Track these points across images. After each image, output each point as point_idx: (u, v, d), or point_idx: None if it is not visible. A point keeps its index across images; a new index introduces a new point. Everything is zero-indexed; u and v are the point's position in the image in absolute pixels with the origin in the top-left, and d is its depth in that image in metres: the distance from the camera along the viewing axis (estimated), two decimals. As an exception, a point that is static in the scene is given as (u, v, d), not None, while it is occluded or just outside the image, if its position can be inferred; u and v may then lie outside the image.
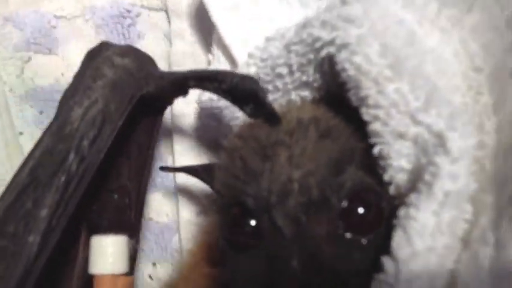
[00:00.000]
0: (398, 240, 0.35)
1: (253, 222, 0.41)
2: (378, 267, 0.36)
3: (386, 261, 0.35)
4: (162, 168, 0.69)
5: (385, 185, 0.40)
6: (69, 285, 0.60)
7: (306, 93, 0.51)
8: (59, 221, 0.47)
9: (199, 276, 0.52)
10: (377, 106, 0.39)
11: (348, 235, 0.39)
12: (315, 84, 0.49)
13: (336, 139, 0.42)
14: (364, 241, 0.39)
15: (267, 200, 0.40)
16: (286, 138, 0.42)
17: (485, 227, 0.34)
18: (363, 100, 0.41)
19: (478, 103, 0.41)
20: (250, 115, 0.44)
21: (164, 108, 0.62)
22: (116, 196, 0.63)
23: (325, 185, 0.40)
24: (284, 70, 0.49)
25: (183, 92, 0.54)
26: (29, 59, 0.76)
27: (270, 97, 0.52)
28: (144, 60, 0.58)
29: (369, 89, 0.40)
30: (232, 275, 0.44)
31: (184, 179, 0.70)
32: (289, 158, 0.41)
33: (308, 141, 0.41)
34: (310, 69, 0.48)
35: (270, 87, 0.52)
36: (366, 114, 0.41)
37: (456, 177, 0.35)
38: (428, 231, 0.34)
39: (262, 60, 0.51)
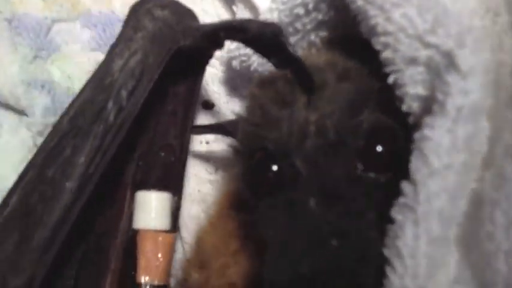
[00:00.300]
0: (415, 161, 0.35)
1: (275, 167, 0.41)
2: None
3: (404, 184, 0.35)
4: (192, 129, 0.68)
5: (403, 119, 0.39)
6: (115, 239, 0.61)
7: (324, 33, 0.52)
8: (96, 168, 0.48)
9: (226, 222, 0.53)
10: (386, 33, 0.38)
11: (367, 174, 0.39)
12: (331, 23, 0.50)
13: (353, 81, 0.42)
14: (383, 179, 0.39)
15: (286, 144, 0.41)
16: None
17: (510, 141, 0.33)
18: (373, 29, 0.40)
19: (496, 24, 0.39)
20: (276, 65, 0.43)
21: (205, 63, 0.61)
22: (162, 154, 0.63)
23: (342, 126, 0.40)
24: (301, 10, 0.50)
25: (217, 45, 0.53)
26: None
27: (292, 40, 0.52)
28: (183, 13, 0.58)
29: (376, 17, 0.39)
30: (256, 221, 0.44)
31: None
32: (307, 103, 0.41)
33: (325, 85, 0.42)
34: (324, 7, 0.49)
35: (290, 29, 0.52)
36: (377, 43, 0.40)
37: (467, 92, 0.34)
38: (444, 149, 0.33)
39: (283, 3, 0.51)
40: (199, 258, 0.55)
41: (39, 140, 0.62)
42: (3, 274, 0.45)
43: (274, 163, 0.41)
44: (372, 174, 0.39)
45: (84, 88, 0.51)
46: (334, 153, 0.39)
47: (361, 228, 0.36)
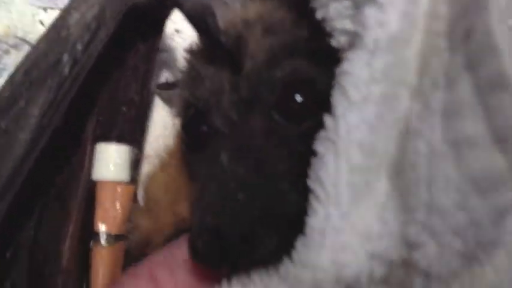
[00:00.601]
0: (335, 95, 0.36)
1: (202, 126, 0.43)
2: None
3: (326, 118, 0.36)
4: (158, 86, 0.70)
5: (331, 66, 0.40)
6: (76, 191, 0.62)
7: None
8: (50, 121, 0.49)
9: (176, 160, 0.54)
10: None
11: (284, 123, 0.40)
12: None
13: (278, 34, 0.43)
14: (302, 128, 0.40)
15: (208, 102, 0.42)
16: (229, 41, 0.43)
17: (437, 71, 0.33)
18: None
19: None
20: (203, 41, 0.45)
21: (162, 20, 0.62)
22: (124, 108, 0.65)
23: (258, 81, 0.41)
24: None
25: (168, 7, 0.55)
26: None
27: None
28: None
29: None
30: (191, 174, 0.46)
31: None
32: (229, 62, 0.42)
33: (250, 40, 0.43)
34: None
35: None
36: None
37: (385, 23, 0.34)
38: (362, 82, 0.34)
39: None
40: (147, 203, 0.57)
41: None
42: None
43: (202, 121, 0.43)
44: (289, 124, 0.40)
45: (40, 40, 0.52)
46: (248, 108, 0.41)
47: (271, 181, 0.38)
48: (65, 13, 0.53)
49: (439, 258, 0.32)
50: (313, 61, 0.41)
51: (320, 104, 0.39)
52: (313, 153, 0.36)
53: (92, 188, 0.62)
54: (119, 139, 0.64)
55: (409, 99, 0.35)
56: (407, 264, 0.34)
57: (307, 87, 0.41)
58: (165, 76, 0.73)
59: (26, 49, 0.63)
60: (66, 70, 0.49)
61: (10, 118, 0.48)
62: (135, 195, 0.64)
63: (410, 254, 0.33)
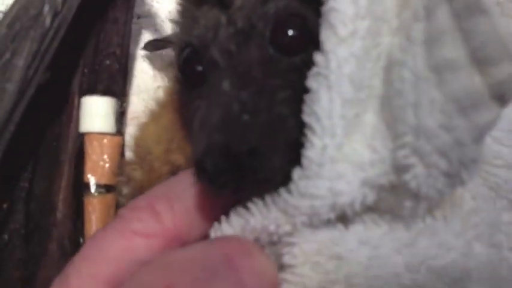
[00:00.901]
0: (324, 32, 0.37)
1: (199, 63, 0.44)
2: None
3: (316, 55, 0.37)
4: (145, 47, 0.71)
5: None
6: (66, 144, 0.64)
7: None
8: (35, 72, 0.50)
9: (168, 112, 0.55)
10: None
11: (278, 57, 0.41)
12: None
13: None
14: (297, 61, 0.41)
15: (204, 37, 0.43)
16: None
17: (417, 4, 0.35)
18: None
19: None
20: None
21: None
22: (107, 62, 0.66)
23: (252, 15, 0.42)
24: None
25: None
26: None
27: None
28: None
29: None
30: (186, 111, 0.47)
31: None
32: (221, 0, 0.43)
33: None
34: None
35: None
36: None
37: None
38: (349, 18, 0.36)
39: None
40: (139, 155, 0.57)
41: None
42: None
43: (199, 58, 0.44)
44: (283, 57, 0.41)
45: (19, -6, 0.51)
46: (245, 40, 0.42)
47: (272, 105, 0.39)
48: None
49: (427, 178, 0.34)
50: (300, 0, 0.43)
51: (310, 40, 0.40)
52: (306, 89, 0.38)
53: (81, 141, 0.64)
54: (104, 92, 0.65)
55: (390, 35, 0.37)
56: (396, 189, 0.37)
57: (299, 22, 0.42)
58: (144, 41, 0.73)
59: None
60: (48, 21, 0.50)
61: (-4, 71, 0.48)
62: (122, 147, 0.66)
63: (400, 178, 0.35)
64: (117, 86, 0.66)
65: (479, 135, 0.34)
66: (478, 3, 0.32)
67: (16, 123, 0.49)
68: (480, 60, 0.32)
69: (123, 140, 0.67)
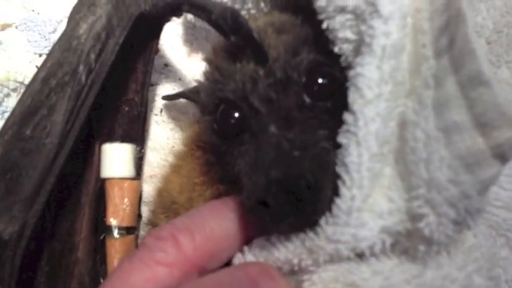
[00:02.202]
0: (351, 95, 0.41)
1: (237, 114, 0.48)
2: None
3: (346, 115, 0.42)
4: (164, 98, 0.75)
5: (336, 59, 0.46)
6: (87, 188, 0.67)
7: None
8: (73, 126, 0.53)
9: (190, 162, 0.59)
10: None
11: (313, 102, 0.46)
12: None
13: (289, 32, 0.49)
14: (328, 105, 0.46)
15: (242, 90, 0.47)
16: None
17: (427, 74, 0.40)
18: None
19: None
20: (234, 42, 0.49)
21: (162, 25, 0.66)
22: (125, 108, 0.69)
23: (287, 66, 0.47)
24: None
25: (177, 14, 0.60)
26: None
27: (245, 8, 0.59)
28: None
29: None
30: (225, 161, 0.51)
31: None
32: (254, 56, 0.48)
33: (266, 39, 0.49)
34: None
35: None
36: None
37: (389, 33, 0.41)
38: (374, 82, 0.40)
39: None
40: (164, 204, 0.61)
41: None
42: (-9, 223, 0.51)
43: (235, 109, 0.48)
44: (316, 102, 0.46)
45: (53, 50, 0.56)
46: (283, 88, 0.47)
47: (317, 141, 0.43)
48: (73, 23, 0.56)
49: (438, 226, 0.39)
50: (322, 53, 0.48)
51: (337, 87, 0.45)
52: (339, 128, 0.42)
53: (101, 184, 0.67)
54: (122, 138, 0.68)
55: (404, 97, 0.42)
56: (411, 234, 0.41)
57: (327, 72, 0.47)
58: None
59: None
60: (83, 78, 0.54)
61: (34, 125, 0.52)
62: (141, 190, 0.70)
63: (415, 225, 0.40)
64: (135, 131, 0.69)
65: (483, 188, 0.39)
66: (480, 75, 0.37)
67: (56, 175, 0.52)
68: (482, 125, 0.38)
69: (141, 182, 0.71)
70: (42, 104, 0.53)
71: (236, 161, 0.48)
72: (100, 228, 0.67)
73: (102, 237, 0.67)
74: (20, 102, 0.54)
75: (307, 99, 0.46)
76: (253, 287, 0.40)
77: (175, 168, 0.62)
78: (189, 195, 0.57)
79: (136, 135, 0.69)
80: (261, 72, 0.47)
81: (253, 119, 0.47)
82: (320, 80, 0.47)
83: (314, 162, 0.41)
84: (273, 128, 0.44)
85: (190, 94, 0.69)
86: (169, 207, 0.59)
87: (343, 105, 0.42)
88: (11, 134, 0.53)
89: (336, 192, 0.41)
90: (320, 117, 0.46)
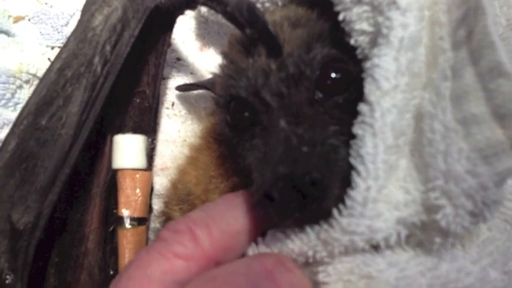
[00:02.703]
0: (368, 86, 0.42)
1: (248, 110, 0.49)
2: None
3: (361, 106, 0.42)
4: (178, 87, 0.75)
5: (351, 53, 0.46)
6: (99, 178, 0.67)
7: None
8: (88, 117, 0.54)
9: (206, 155, 0.60)
10: None
11: (324, 96, 0.47)
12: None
13: (304, 26, 0.49)
14: (340, 100, 0.46)
15: (254, 85, 0.48)
16: None
17: (444, 66, 0.40)
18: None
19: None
20: (249, 35, 0.49)
21: (175, 18, 0.67)
22: (137, 100, 0.70)
23: (300, 61, 0.47)
24: None
25: (192, 7, 0.60)
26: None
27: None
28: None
29: None
30: (238, 154, 0.51)
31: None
32: (267, 51, 0.48)
33: (281, 33, 0.49)
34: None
35: None
36: None
37: (407, 25, 0.41)
38: (391, 74, 0.41)
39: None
40: (178, 196, 0.62)
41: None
42: (8, 212, 0.51)
43: (247, 106, 0.49)
44: (329, 97, 0.47)
45: (68, 41, 0.56)
46: (295, 83, 0.47)
47: (326, 137, 0.44)
48: (88, 15, 0.57)
49: (455, 217, 0.39)
50: (336, 47, 0.48)
51: (350, 81, 0.46)
52: (350, 126, 0.43)
53: (112, 176, 0.67)
54: (134, 129, 0.69)
55: (421, 89, 0.42)
56: (426, 226, 0.41)
57: (340, 67, 0.48)
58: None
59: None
60: (99, 70, 0.54)
61: (50, 115, 0.52)
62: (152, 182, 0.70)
63: (431, 217, 0.40)
64: (146, 123, 0.70)
65: (501, 180, 0.39)
66: (500, 67, 0.38)
67: (71, 165, 0.52)
68: (501, 116, 0.38)
69: (152, 174, 0.71)
70: (57, 94, 0.53)
71: (247, 154, 0.49)
72: (109, 219, 0.67)
73: (111, 228, 0.67)
74: (35, 92, 0.54)
75: (319, 95, 0.47)
76: (269, 278, 0.40)
77: (191, 161, 0.62)
78: (205, 187, 0.58)
79: (148, 126, 0.70)
80: (273, 66, 0.47)
81: (265, 113, 0.47)
82: (333, 75, 0.47)
83: (321, 159, 0.42)
84: (283, 123, 0.44)
85: (206, 84, 0.69)
86: (184, 198, 0.60)
87: (355, 99, 0.43)
88: (26, 124, 0.53)
89: (344, 189, 0.41)
90: (332, 112, 0.46)
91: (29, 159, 0.52)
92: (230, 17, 0.50)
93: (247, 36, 0.49)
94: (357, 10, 0.44)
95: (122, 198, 0.66)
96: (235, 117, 0.51)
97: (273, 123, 0.45)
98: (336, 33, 0.47)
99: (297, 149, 0.42)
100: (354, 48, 0.46)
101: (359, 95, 0.43)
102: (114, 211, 0.67)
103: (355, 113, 0.43)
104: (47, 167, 0.51)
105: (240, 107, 0.50)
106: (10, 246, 0.51)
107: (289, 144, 0.42)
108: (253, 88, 0.48)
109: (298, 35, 0.49)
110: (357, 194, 0.40)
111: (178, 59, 0.78)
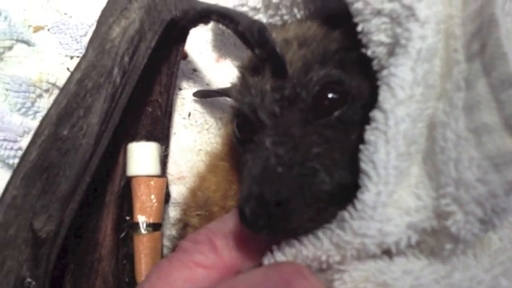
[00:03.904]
0: (383, 93, 0.43)
1: (248, 125, 0.52)
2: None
3: (375, 113, 0.43)
4: (196, 93, 0.77)
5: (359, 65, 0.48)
6: (113, 186, 0.69)
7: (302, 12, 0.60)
8: (107, 127, 0.55)
9: (224, 166, 0.62)
10: None
11: (318, 116, 0.48)
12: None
13: (310, 46, 0.51)
14: (332, 118, 0.48)
15: (254, 103, 0.50)
16: None
17: (458, 78, 0.41)
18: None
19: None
20: (257, 55, 0.51)
21: (188, 30, 0.69)
22: (149, 109, 0.71)
23: (297, 83, 0.49)
24: None
25: (205, 22, 0.62)
26: None
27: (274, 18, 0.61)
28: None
29: None
30: (241, 165, 0.53)
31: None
32: (271, 70, 0.50)
33: (290, 53, 0.51)
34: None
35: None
36: None
37: (425, 37, 0.42)
38: (408, 83, 0.42)
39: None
40: (197, 202, 0.63)
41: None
42: (30, 221, 0.53)
43: (249, 122, 0.51)
44: (323, 117, 0.48)
45: (87, 52, 0.57)
46: (289, 104, 0.49)
47: (306, 160, 0.45)
48: (106, 27, 0.58)
49: (465, 224, 0.41)
50: (339, 67, 0.49)
51: (346, 100, 0.47)
52: (341, 142, 0.45)
53: (126, 183, 0.69)
54: (147, 137, 0.71)
55: (435, 100, 0.43)
56: (437, 232, 0.43)
57: (337, 87, 0.49)
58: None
59: (56, 93, 0.67)
60: (118, 80, 0.55)
61: (70, 126, 0.54)
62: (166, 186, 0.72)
63: (441, 223, 0.42)
64: (159, 131, 0.71)
65: (511, 188, 0.40)
66: (510, 78, 0.39)
67: (91, 174, 0.54)
68: (511, 126, 0.39)
69: (167, 180, 0.72)
70: (78, 105, 0.54)
71: (242, 168, 0.51)
72: (121, 226, 0.69)
73: (122, 234, 0.69)
74: (55, 103, 0.55)
75: (313, 115, 0.48)
76: (286, 287, 0.42)
77: (211, 168, 0.64)
78: (224, 193, 0.59)
79: (161, 134, 0.71)
80: (269, 87, 0.49)
81: (259, 130, 0.49)
82: (330, 95, 0.48)
83: (295, 182, 0.44)
84: (267, 142, 0.46)
85: (223, 91, 0.71)
86: (202, 204, 0.61)
87: (351, 116, 0.46)
88: (47, 134, 0.54)
89: (320, 211, 0.43)
90: (323, 132, 0.47)
91: (50, 168, 0.53)
92: (241, 35, 0.52)
93: (256, 55, 0.51)
94: (375, 22, 0.45)
95: (137, 205, 0.67)
96: (239, 130, 0.54)
97: (261, 141, 0.47)
98: (346, 48, 0.49)
99: (272, 170, 0.44)
100: (362, 61, 0.47)
101: (355, 111, 0.46)
102: (127, 218, 0.69)
103: (350, 131, 0.45)
104: (68, 176, 0.53)
105: (243, 122, 0.53)
106: (32, 255, 0.53)
107: (267, 164, 0.44)
108: (252, 106, 0.51)
109: (301, 55, 0.50)
110: (367, 197, 0.42)
111: (195, 70, 0.80)
